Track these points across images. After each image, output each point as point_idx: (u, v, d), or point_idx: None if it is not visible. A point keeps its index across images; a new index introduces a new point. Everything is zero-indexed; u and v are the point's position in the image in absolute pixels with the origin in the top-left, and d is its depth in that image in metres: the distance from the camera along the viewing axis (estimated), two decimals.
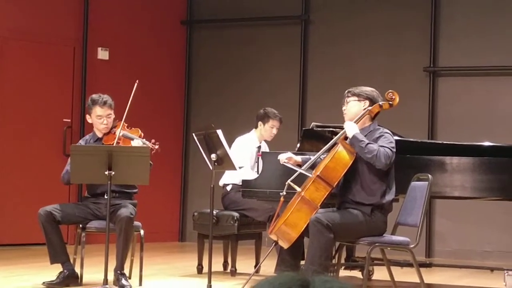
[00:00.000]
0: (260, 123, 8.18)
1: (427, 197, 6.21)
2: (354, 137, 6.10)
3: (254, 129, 8.24)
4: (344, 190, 6.25)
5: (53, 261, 6.78)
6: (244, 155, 7.96)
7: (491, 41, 10.27)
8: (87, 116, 6.97)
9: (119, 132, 6.76)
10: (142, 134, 6.80)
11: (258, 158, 8.07)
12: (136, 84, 6.65)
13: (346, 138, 6.26)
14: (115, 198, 6.80)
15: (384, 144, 6.07)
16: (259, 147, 8.18)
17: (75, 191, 10.22)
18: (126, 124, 6.85)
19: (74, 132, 10.44)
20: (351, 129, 6.15)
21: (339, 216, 6.11)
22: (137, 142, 6.69)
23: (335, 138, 6.35)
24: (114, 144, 6.69)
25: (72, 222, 6.93)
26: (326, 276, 1.89)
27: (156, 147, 6.65)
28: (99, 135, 6.96)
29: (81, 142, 7.12)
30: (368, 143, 6.05)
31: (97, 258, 7.52)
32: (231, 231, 7.81)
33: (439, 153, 7.26)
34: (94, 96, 6.94)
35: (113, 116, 6.90)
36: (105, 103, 6.85)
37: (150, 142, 6.66)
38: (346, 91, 6.38)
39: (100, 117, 6.86)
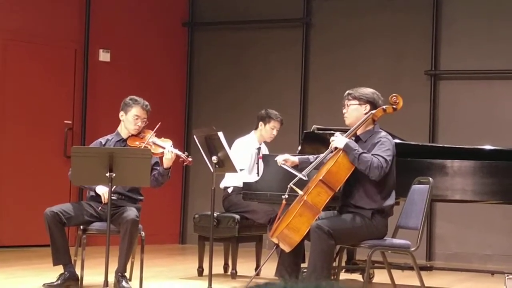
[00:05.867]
0: (261, 123, 8.17)
1: (428, 200, 6.20)
2: (347, 145, 6.00)
3: (254, 130, 8.23)
4: (345, 194, 6.22)
5: (55, 262, 6.77)
6: (243, 156, 7.95)
7: (492, 45, 10.27)
8: (121, 113, 6.97)
9: (149, 137, 6.83)
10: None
11: (258, 160, 8.05)
12: (158, 125, 6.80)
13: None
14: (120, 200, 6.81)
15: (379, 153, 5.98)
16: (259, 149, 8.17)
17: (76, 192, 10.22)
18: (155, 133, 6.89)
19: (75, 134, 10.44)
20: (340, 141, 6.05)
21: (340, 222, 6.07)
22: (168, 151, 6.71)
23: (325, 152, 6.27)
24: (142, 148, 6.73)
25: (78, 224, 6.91)
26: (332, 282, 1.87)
27: (190, 159, 6.73)
28: (124, 136, 6.97)
29: (101, 140, 7.05)
30: (361, 154, 5.96)
31: (97, 260, 7.52)
32: (232, 233, 7.80)
33: (440, 156, 7.26)
34: (136, 97, 7.01)
35: (146, 122, 6.95)
36: (146, 106, 6.94)
37: (183, 153, 6.75)
38: (346, 93, 6.30)
39: (137, 118, 6.91)
